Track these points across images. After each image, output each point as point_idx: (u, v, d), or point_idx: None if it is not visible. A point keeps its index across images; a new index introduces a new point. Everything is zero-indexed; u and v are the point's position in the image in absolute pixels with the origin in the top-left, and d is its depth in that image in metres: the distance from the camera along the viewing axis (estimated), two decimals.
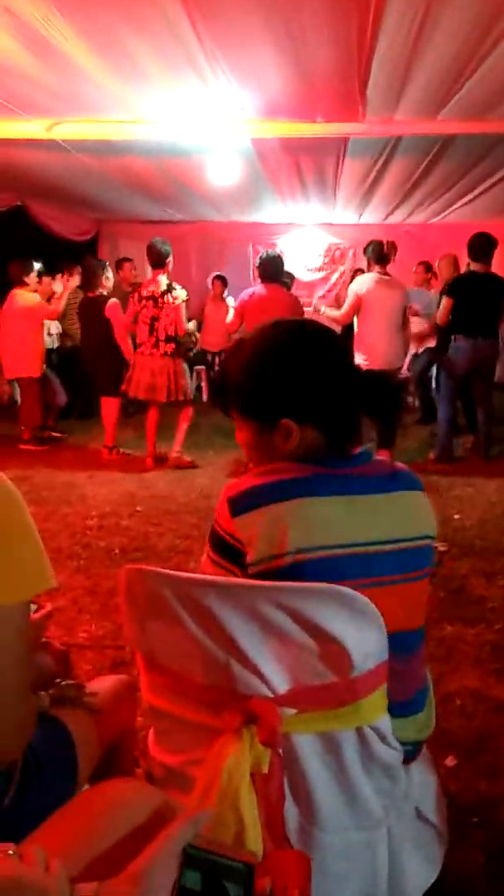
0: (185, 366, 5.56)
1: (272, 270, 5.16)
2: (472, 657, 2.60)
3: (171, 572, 0.97)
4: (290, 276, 7.36)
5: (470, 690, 2.38)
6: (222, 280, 8.21)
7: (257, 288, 5.22)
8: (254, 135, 4.74)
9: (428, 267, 7.19)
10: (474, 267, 5.38)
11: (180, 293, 5.28)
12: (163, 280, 5.27)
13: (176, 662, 1.03)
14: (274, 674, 1.00)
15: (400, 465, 1.21)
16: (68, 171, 5.92)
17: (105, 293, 5.52)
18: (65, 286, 6.60)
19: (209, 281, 8.25)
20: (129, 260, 7.76)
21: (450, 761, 2.02)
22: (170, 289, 5.25)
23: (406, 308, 5.41)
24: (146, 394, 5.36)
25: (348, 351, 1.16)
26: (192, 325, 5.61)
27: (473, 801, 1.89)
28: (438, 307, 5.57)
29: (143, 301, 5.30)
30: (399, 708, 1.14)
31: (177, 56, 3.37)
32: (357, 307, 5.29)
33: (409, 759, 1.21)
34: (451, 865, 1.49)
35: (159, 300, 5.24)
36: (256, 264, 5.31)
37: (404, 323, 5.41)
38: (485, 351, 5.35)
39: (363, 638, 1.00)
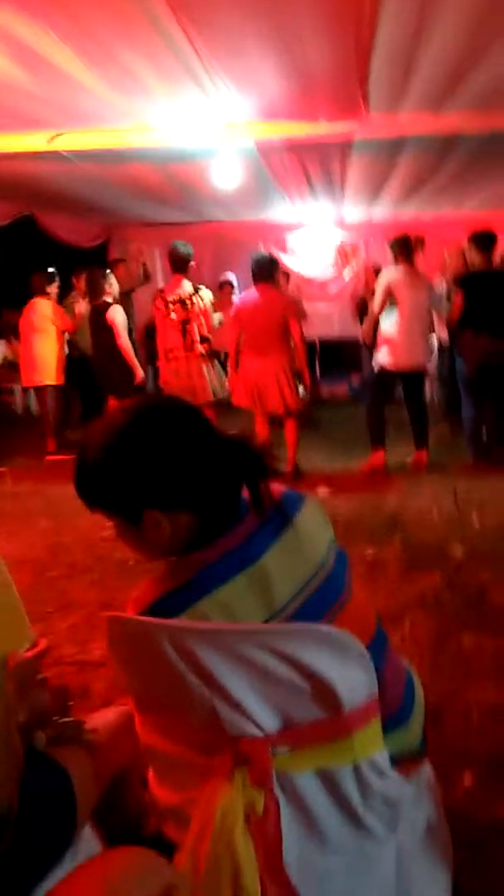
0: (218, 364, 5.52)
1: (260, 271, 4.99)
2: (492, 669, 2.51)
3: (150, 619, 0.96)
4: (285, 275, 7.25)
5: (489, 705, 2.30)
6: (231, 285, 8.18)
7: (249, 293, 5.11)
8: (256, 137, 4.70)
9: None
10: (477, 260, 5.25)
11: (207, 293, 5.21)
12: (187, 283, 5.18)
13: (165, 705, 1.03)
14: (263, 714, 0.99)
15: (278, 488, 1.15)
16: (73, 180, 5.92)
17: (110, 300, 5.50)
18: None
19: (218, 285, 8.22)
20: (122, 261, 7.83)
21: (466, 780, 1.99)
22: (196, 290, 5.17)
23: (432, 306, 5.26)
24: (187, 398, 5.29)
25: (206, 422, 1.13)
26: (216, 321, 5.50)
27: (488, 824, 1.85)
28: (448, 301, 5.46)
29: (171, 305, 5.20)
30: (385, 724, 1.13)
31: (173, 66, 3.35)
32: (388, 298, 5.13)
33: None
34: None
35: (188, 302, 5.14)
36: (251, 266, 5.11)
37: (431, 321, 5.28)
38: (492, 348, 5.19)
39: (347, 673, 1.00)
